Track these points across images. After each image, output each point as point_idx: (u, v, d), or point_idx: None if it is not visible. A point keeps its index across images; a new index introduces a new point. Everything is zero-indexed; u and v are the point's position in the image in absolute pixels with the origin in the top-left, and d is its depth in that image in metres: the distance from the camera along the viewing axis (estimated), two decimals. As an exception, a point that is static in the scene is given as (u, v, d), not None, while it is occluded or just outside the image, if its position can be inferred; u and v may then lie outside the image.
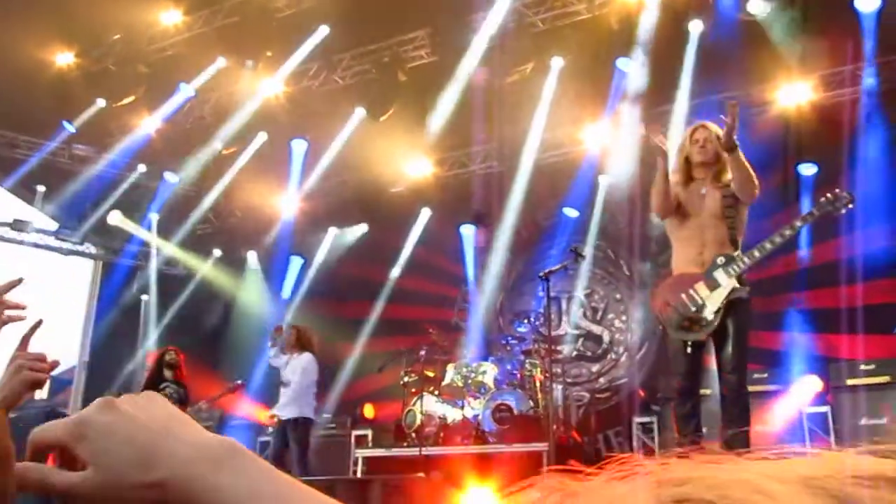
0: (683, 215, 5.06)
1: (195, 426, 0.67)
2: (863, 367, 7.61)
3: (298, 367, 8.68)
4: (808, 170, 9.64)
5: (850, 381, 7.57)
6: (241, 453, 0.64)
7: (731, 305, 4.83)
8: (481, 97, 10.52)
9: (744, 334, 4.85)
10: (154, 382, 7.71)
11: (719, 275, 4.85)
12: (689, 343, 4.89)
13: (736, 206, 4.95)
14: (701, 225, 4.99)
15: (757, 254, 4.82)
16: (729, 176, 4.96)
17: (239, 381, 9.03)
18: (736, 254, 4.88)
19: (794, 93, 9.53)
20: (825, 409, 7.61)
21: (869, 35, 8.85)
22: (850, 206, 4.81)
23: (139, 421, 0.65)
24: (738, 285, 4.83)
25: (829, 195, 4.86)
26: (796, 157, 9.57)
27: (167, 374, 7.90)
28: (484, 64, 10.31)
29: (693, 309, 4.87)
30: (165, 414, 0.67)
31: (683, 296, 4.90)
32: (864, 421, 7.21)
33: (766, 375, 8.16)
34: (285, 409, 8.68)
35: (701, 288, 4.86)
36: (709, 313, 4.84)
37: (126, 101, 11.11)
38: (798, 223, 4.93)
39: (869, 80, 9.10)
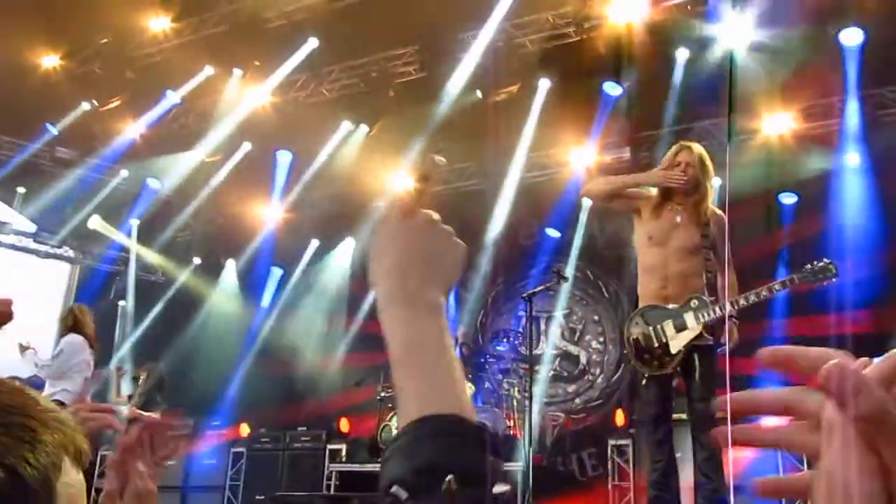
0: (650, 242, 4.88)
1: None
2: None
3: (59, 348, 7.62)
4: (788, 199, 9.74)
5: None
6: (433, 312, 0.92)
7: (695, 350, 4.71)
8: (468, 115, 10.55)
9: (709, 374, 4.69)
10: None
11: (689, 317, 4.71)
12: (646, 375, 4.79)
13: (715, 249, 4.83)
14: (666, 257, 4.83)
15: (728, 307, 4.65)
16: (709, 210, 4.83)
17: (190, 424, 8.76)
18: (710, 300, 4.72)
19: (776, 122, 9.62)
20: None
21: (851, 69, 8.96)
22: (834, 279, 4.66)
23: None
24: (704, 334, 4.69)
25: (814, 264, 4.70)
26: (778, 186, 9.66)
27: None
28: (471, 82, 10.35)
29: (656, 344, 4.76)
30: None
31: (650, 329, 4.80)
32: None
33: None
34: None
35: (668, 326, 4.74)
36: (672, 350, 4.73)
37: (111, 105, 11.07)
38: (777, 287, 4.74)
39: (851, 112, 9.21)
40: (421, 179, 1.01)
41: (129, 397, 8.91)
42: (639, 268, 5.02)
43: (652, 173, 5.02)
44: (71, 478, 0.85)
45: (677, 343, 4.72)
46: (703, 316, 4.69)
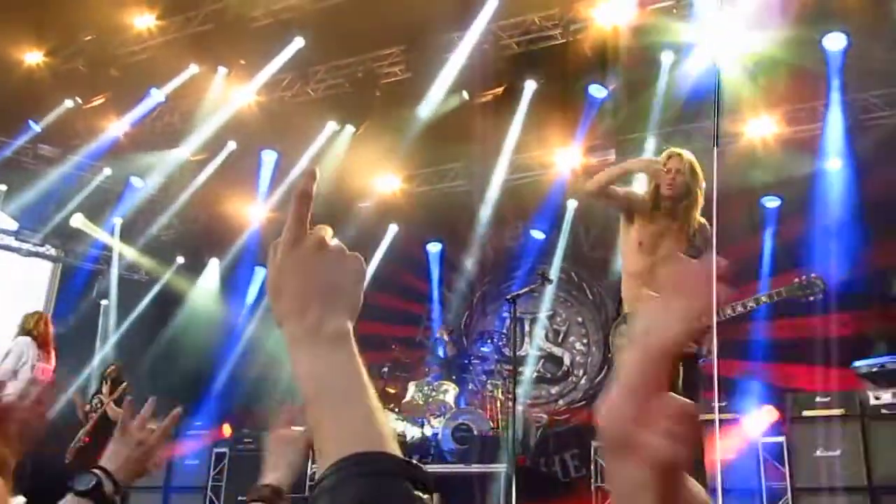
0: (640, 247, 4.83)
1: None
2: (819, 398, 7.69)
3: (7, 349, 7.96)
4: (771, 202, 9.80)
5: (806, 413, 7.65)
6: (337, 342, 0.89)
7: (678, 358, 4.51)
8: (454, 116, 10.55)
9: (692, 382, 4.61)
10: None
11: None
12: None
13: (700, 256, 4.80)
14: (654, 263, 4.76)
15: (715, 317, 4.56)
16: (699, 220, 4.78)
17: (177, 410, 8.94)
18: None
19: (760, 126, 9.67)
20: (781, 439, 7.67)
21: (834, 73, 9.02)
22: (821, 294, 4.68)
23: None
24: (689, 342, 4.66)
25: (801, 279, 4.71)
26: (761, 188, 9.72)
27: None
28: (457, 83, 10.36)
29: None
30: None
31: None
32: (818, 453, 7.27)
33: (723, 404, 8.21)
34: None
35: None
36: None
37: (95, 103, 11.00)
38: (764, 299, 4.74)
39: (833, 116, 9.27)
40: (298, 198, 0.96)
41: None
42: (624, 271, 4.98)
43: (642, 160, 4.96)
44: None
45: None
46: None
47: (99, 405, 8.97)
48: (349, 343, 0.90)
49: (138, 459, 1.87)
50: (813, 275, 4.68)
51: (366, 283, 0.97)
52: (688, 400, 0.68)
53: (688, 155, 4.89)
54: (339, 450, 0.80)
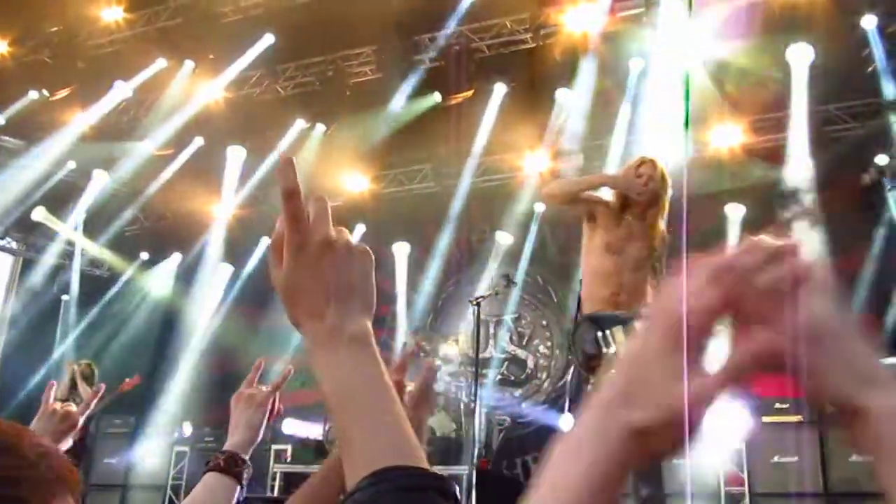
0: (607, 249, 4.88)
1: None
2: (777, 405, 7.81)
3: None
4: (734, 210, 9.89)
5: (765, 419, 7.76)
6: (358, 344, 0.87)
7: None
8: (423, 117, 10.57)
9: None
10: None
11: (640, 325, 4.70)
12: (592, 381, 4.78)
13: (661, 262, 4.88)
14: (621, 265, 4.84)
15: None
16: (663, 227, 4.86)
17: (136, 376, 9.06)
18: None
19: (726, 135, 9.78)
20: (740, 444, 7.76)
21: (798, 84, 9.16)
22: None
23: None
24: None
25: None
26: (727, 197, 9.82)
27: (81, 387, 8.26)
28: (427, 85, 10.37)
29: (604, 349, 4.66)
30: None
31: (599, 334, 4.69)
32: (776, 458, 7.38)
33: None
34: None
35: (618, 332, 4.64)
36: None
37: (60, 95, 10.85)
38: None
39: (797, 126, 9.40)
40: (287, 196, 0.91)
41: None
42: (587, 273, 5.02)
43: (617, 177, 5.04)
44: None
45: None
46: None
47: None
48: (371, 344, 0.89)
49: (58, 434, 1.95)
50: None
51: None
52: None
53: (660, 163, 4.95)
54: (370, 462, 0.79)
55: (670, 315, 0.66)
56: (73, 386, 8.82)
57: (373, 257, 0.96)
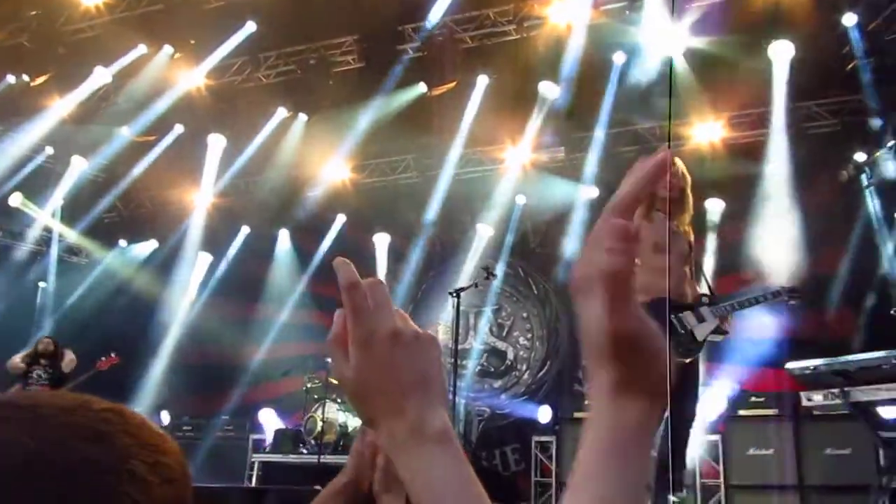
0: (657, 247, 4.79)
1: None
2: (753, 398, 7.89)
3: None
4: (715, 205, 9.94)
5: (741, 412, 7.84)
6: (444, 442, 0.83)
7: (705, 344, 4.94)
8: (406, 108, 10.54)
9: (692, 384, 4.90)
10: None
11: (705, 311, 4.95)
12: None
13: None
14: (679, 258, 5.03)
15: (731, 307, 5.00)
16: (688, 219, 5.07)
17: (113, 355, 9.07)
18: (717, 296, 5.05)
19: (707, 130, 9.82)
20: (716, 437, 7.83)
21: (781, 81, 9.21)
22: (798, 301, 5.18)
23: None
24: (721, 327, 4.94)
25: (785, 287, 5.16)
26: (707, 192, 9.86)
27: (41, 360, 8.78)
28: (410, 75, 10.34)
29: (682, 332, 4.90)
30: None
31: (673, 318, 4.84)
32: (751, 451, 7.44)
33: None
34: None
35: (688, 316, 4.91)
36: (699, 337, 4.91)
37: (39, 80, 10.74)
38: (760, 299, 5.10)
39: (777, 122, 9.46)
40: (348, 291, 0.88)
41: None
42: (645, 270, 5.09)
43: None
44: None
45: (701, 332, 4.91)
46: (717, 312, 4.94)
47: (47, 376, 8.94)
48: (454, 440, 0.85)
49: None
50: (795, 285, 5.21)
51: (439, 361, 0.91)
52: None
53: (680, 162, 5.15)
54: None
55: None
56: (36, 360, 8.94)
57: (440, 344, 0.92)
